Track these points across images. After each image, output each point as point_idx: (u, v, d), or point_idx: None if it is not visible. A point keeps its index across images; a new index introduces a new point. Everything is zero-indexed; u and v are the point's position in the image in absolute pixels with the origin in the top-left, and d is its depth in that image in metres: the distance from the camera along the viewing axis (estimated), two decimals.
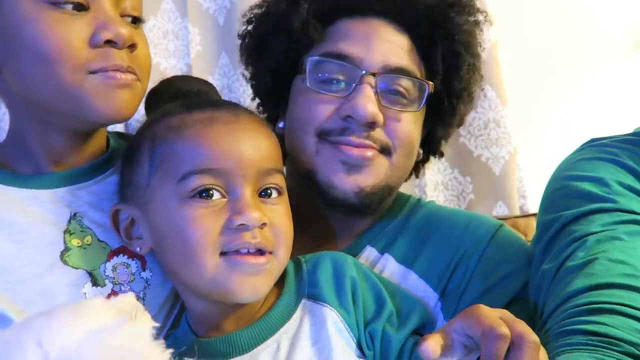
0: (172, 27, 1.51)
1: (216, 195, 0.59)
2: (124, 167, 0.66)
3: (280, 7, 0.78)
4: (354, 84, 0.72)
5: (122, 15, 0.61)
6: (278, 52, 0.78)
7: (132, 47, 0.61)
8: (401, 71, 0.74)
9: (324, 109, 0.73)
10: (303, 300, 0.64)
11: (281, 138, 0.77)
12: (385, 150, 0.73)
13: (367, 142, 0.72)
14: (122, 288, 0.65)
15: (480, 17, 0.80)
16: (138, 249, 0.64)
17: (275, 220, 0.61)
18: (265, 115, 0.87)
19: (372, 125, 0.71)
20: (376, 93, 0.72)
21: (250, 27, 0.83)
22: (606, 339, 0.45)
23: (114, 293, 0.64)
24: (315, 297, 0.64)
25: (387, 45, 0.74)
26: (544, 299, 0.55)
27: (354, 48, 0.73)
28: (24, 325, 0.44)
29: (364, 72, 0.72)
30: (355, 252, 0.77)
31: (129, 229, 0.64)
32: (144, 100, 0.68)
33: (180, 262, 0.60)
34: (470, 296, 0.70)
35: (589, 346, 0.45)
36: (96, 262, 0.64)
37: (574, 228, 0.57)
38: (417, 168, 0.87)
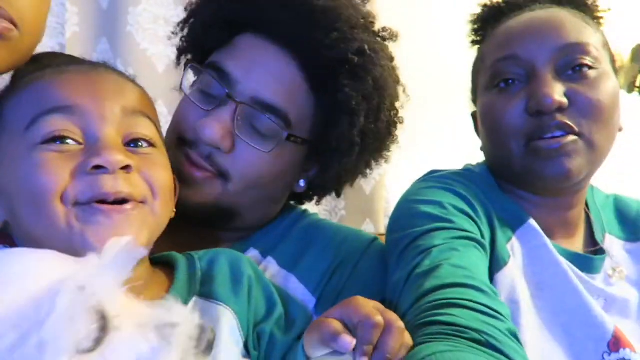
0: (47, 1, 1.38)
1: (71, 142, 0.51)
2: None
3: (200, 1, 0.79)
4: (217, 102, 0.72)
5: None
6: (189, 44, 0.80)
7: None
8: (269, 109, 0.71)
9: (187, 118, 0.74)
10: (194, 298, 0.58)
11: None
12: (221, 175, 0.72)
13: (201, 162, 0.71)
14: None
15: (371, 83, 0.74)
16: None
17: (146, 168, 0.53)
18: None
19: (218, 148, 0.71)
20: (234, 119, 0.70)
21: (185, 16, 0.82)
22: (455, 328, 0.53)
23: None
24: (209, 296, 0.59)
25: (269, 77, 0.71)
26: (398, 301, 0.62)
27: (237, 68, 0.72)
28: None
29: (230, 94, 0.71)
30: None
31: None
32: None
33: (30, 219, 0.51)
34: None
35: (442, 335, 0.52)
36: None
37: (420, 243, 0.66)
38: (297, 197, 0.86)
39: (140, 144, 0.55)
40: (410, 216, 0.71)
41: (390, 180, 1.56)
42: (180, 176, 0.69)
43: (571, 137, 0.69)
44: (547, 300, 0.70)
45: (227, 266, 0.63)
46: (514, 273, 0.70)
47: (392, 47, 0.82)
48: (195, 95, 0.74)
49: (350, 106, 0.73)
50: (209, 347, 0.45)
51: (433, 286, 0.58)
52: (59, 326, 0.38)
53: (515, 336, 0.55)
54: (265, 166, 0.73)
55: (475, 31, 0.85)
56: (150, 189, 0.54)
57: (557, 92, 0.68)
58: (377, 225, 1.53)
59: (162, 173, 0.56)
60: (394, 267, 0.68)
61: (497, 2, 0.82)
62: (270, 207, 0.81)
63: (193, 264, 0.62)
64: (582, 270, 0.74)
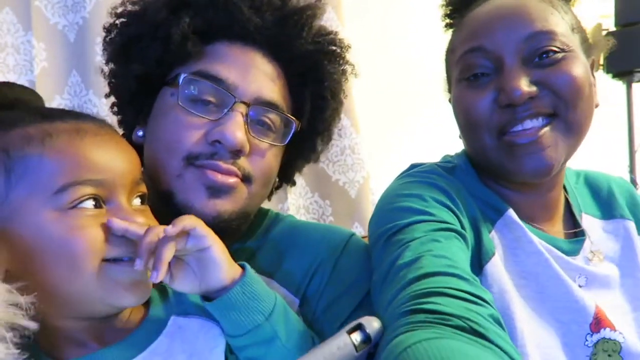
0: (12, 40, 1.37)
1: (94, 205, 0.59)
2: None
3: (161, 14, 0.74)
4: (225, 109, 0.71)
5: None
6: (150, 59, 0.74)
7: None
8: (272, 105, 0.74)
9: (193, 133, 0.71)
10: (173, 317, 0.64)
11: (139, 147, 0.74)
12: (246, 179, 0.73)
13: (233, 168, 0.71)
14: None
15: (348, 68, 0.84)
16: None
17: (151, 223, 0.62)
18: (121, 117, 0.83)
19: (239, 153, 0.71)
20: (246, 122, 0.72)
21: (119, 22, 0.78)
22: (440, 315, 0.53)
23: None
24: (186, 313, 0.64)
25: (262, 76, 0.75)
26: (381, 292, 0.63)
27: (230, 73, 0.73)
28: None
29: (237, 99, 0.72)
30: None
31: None
32: None
33: (61, 275, 0.56)
34: (325, 300, 0.74)
35: (427, 322, 0.52)
36: None
37: (401, 237, 0.66)
38: (271, 193, 0.87)
39: (140, 201, 0.64)
40: (390, 210, 0.71)
41: (374, 183, 1.58)
42: (211, 189, 0.70)
43: (545, 129, 0.69)
44: (532, 288, 0.71)
45: None
46: (500, 264, 0.71)
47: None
48: (191, 107, 0.72)
49: (335, 91, 0.82)
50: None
51: (415, 276, 0.59)
52: None
53: (498, 321, 0.56)
54: (274, 161, 0.77)
55: (447, 15, 0.84)
56: None
57: (525, 82, 0.68)
58: (365, 227, 1.54)
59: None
60: (377, 261, 0.68)
61: None
62: (259, 205, 0.82)
63: (164, 288, 0.67)
64: (562, 253, 0.75)
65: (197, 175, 0.71)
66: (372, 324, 0.56)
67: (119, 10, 0.78)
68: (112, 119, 0.78)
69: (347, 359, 0.54)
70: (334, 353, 0.53)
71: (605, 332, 0.70)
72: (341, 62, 0.82)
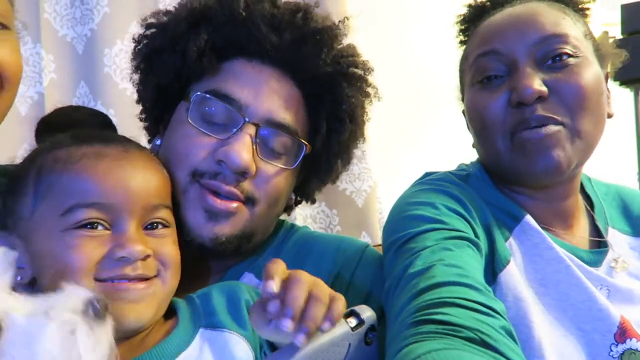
0: (21, 51, 1.39)
1: (100, 227, 0.60)
2: (7, 195, 0.64)
3: (180, 28, 0.75)
4: (234, 129, 0.71)
5: None
6: (169, 71, 0.76)
7: None
8: (283, 127, 0.73)
9: (201, 149, 0.72)
10: (201, 330, 0.64)
11: (157, 154, 0.75)
12: (249, 201, 0.73)
13: (235, 191, 0.71)
14: None
15: (371, 91, 0.82)
16: (19, 278, 0.59)
17: (160, 249, 0.63)
18: (146, 125, 0.85)
19: (243, 174, 0.71)
20: (254, 143, 0.71)
21: (148, 32, 0.79)
22: (450, 327, 0.52)
23: None
24: (214, 325, 0.64)
25: (275, 97, 0.73)
26: (392, 301, 0.62)
27: (243, 92, 0.72)
28: None
29: (246, 119, 0.71)
30: (234, 279, 0.77)
31: None
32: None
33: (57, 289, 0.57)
34: None
35: (437, 334, 0.52)
36: None
37: (412, 245, 0.66)
38: (289, 209, 0.88)
39: (156, 225, 0.64)
40: (402, 219, 0.71)
41: (381, 192, 1.57)
42: (210, 213, 0.70)
43: (553, 127, 0.69)
44: (552, 296, 0.70)
45: (221, 297, 0.67)
46: (516, 272, 0.70)
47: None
48: (201, 125, 0.73)
49: (354, 114, 0.80)
50: (99, 314, 0.49)
51: (427, 285, 0.58)
52: None
53: (509, 333, 0.55)
54: (283, 183, 0.75)
55: (462, 32, 0.86)
56: (162, 265, 0.63)
57: (537, 82, 0.69)
58: (373, 236, 1.53)
59: (173, 250, 0.65)
60: (388, 269, 0.68)
61: (481, 1, 0.84)
62: (273, 223, 0.81)
63: (192, 301, 0.67)
64: (583, 262, 0.73)
65: (199, 196, 0.71)
66: (365, 311, 0.59)
67: (148, 21, 0.80)
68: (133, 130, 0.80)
69: (344, 338, 0.56)
70: (333, 331, 0.55)
71: (632, 343, 0.68)
72: (362, 84, 0.80)
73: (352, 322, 0.57)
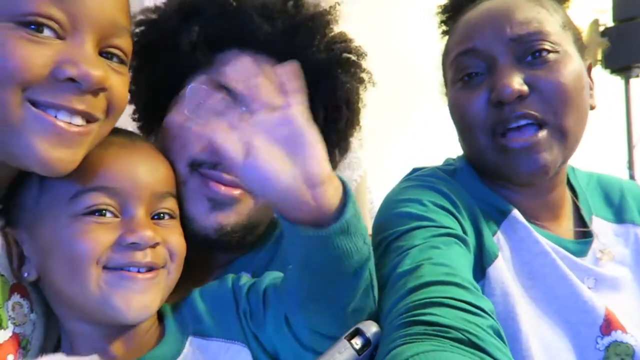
0: None
1: (109, 215, 0.59)
2: (10, 189, 0.62)
3: (171, 23, 0.74)
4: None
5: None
6: (162, 68, 0.75)
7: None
8: None
9: (199, 139, 0.71)
10: (190, 338, 0.63)
11: None
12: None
13: (237, 180, 0.70)
14: (20, 330, 0.60)
15: (365, 77, 0.81)
16: (26, 274, 0.60)
17: (168, 238, 0.62)
18: (140, 124, 0.83)
19: None
20: None
21: (138, 30, 0.77)
22: (438, 328, 0.52)
23: (15, 336, 0.59)
24: (202, 334, 0.64)
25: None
26: (380, 299, 0.62)
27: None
28: None
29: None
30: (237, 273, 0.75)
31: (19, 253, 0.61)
32: None
33: (65, 279, 0.58)
34: None
35: (426, 335, 0.52)
36: (1, 299, 0.58)
37: (400, 244, 0.66)
38: None
39: (163, 216, 0.64)
40: (390, 217, 0.71)
41: (371, 181, 1.57)
42: (213, 202, 0.69)
43: (539, 133, 0.69)
44: (539, 289, 0.70)
45: (201, 300, 0.66)
46: (504, 266, 0.70)
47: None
48: (199, 115, 0.72)
49: (350, 100, 0.79)
50: None
51: (414, 285, 0.58)
52: None
53: (498, 333, 0.55)
54: None
55: (443, 22, 0.85)
56: (170, 255, 0.63)
57: (517, 81, 0.68)
58: None
59: (180, 241, 0.64)
60: (377, 268, 0.66)
61: None
62: (272, 214, 0.80)
63: (178, 307, 0.67)
64: (569, 253, 0.74)
65: (200, 185, 0.70)
66: (370, 328, 0.56)
67: (138, 18, 0.78)
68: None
69: None
70: (336, 358, 0.53)
71: (617, 335, 0.69)
72: (356, 70, 0.80)
73: (358, 343, 0.54)
